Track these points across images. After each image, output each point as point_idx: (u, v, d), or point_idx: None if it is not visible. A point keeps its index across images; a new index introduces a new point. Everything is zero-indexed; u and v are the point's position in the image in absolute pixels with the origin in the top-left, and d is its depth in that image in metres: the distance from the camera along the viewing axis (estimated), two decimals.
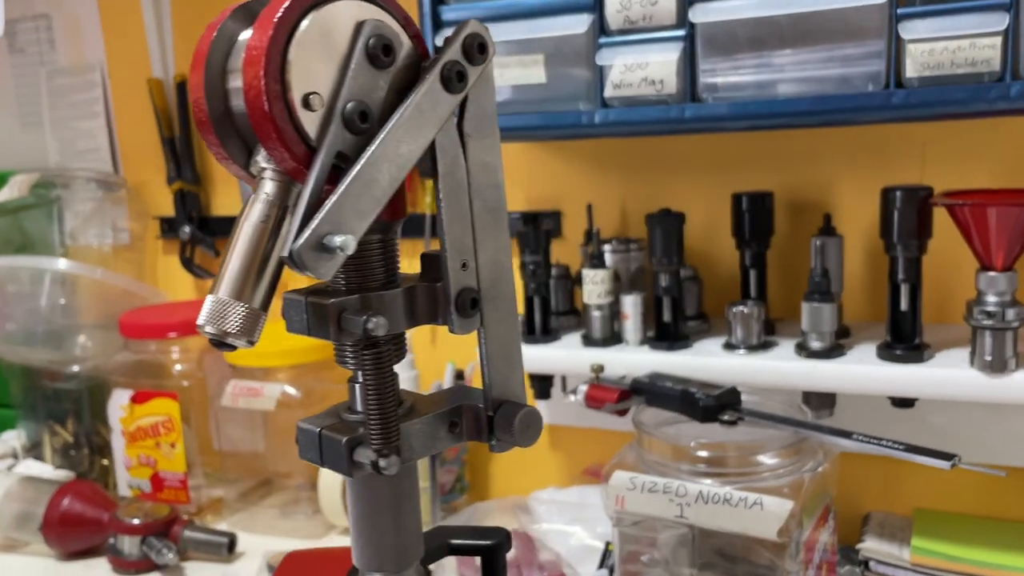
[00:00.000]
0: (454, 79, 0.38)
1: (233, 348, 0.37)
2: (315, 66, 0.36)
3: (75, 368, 1.21)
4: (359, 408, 0.42)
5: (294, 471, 1.13)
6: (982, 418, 0.85)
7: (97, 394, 1.21)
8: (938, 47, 0.70)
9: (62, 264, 1.19)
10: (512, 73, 0.85)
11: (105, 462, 1.22)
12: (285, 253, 0.35)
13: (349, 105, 0.37)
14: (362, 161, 0.36)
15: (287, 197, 0.38)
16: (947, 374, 0.76)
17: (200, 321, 0.36)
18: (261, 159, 0.38)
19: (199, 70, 0.37)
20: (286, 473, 1.14)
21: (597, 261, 0.92)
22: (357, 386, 0.42)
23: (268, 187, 0.38)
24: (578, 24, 0.82)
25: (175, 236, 1.26)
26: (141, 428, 1.13)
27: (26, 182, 1.20)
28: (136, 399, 1.12)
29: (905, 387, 0.78)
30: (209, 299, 0.36)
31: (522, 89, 0.85)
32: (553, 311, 0.98)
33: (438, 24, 0.86)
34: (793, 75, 0.76)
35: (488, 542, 0.51)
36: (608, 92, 0.81)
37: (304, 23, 0.36)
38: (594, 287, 0.91)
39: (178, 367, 1.14)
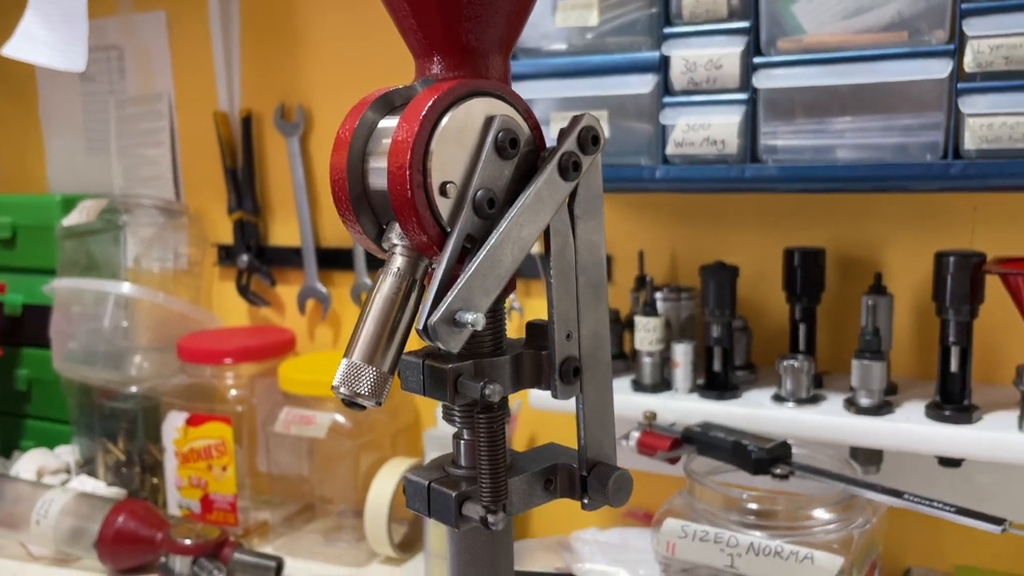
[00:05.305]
0: (570, 168, 0.42)
1: (363, 408, 0.40)
2: (451, 157, 0.40)
3: (132, 388, 1.24)
4: (463, 463, 0.45)
5: (337, 497, 1.16)
6: None
7: (151, 414, 1.24)
8: (997, 122, 0.72)
9: (126, 288, 1.23)
10: None
11: (156, 481, 1.26)
12: (420, 326, 0.38)
13: (479, 193, 0.40)
14: (489, 244, 0.40)
15: (415, 271, 0.41)
16: (995, 437, 0.78)
17: (335, 383, 0.39)
18: (394, 236, 0.41)
19: (341, 153, 0.41)
20: (329, 499, 1.17)
21: (650, 309, 0.95)
22: (463, 443, 0.45)
23: (399, 262, 0.41)
24: (643, 84, 0.85)
25: (232, 264, 1.30)
26: (194, 450, 1.16)
27: (95, 207, 1.24)
28: (191, 422, 1.16)
29: (953, 447, 0.80)
30: (344, 362, 0.40)
31: None
32: None
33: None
34: (852, 141, 0.79)
35: None
36: (670, 149, 0.84)
37: (444, 119, 0.40)
38: (646, 334, 0.94)
39: (232, 392, 1.18)
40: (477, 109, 0.41)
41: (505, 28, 0.43)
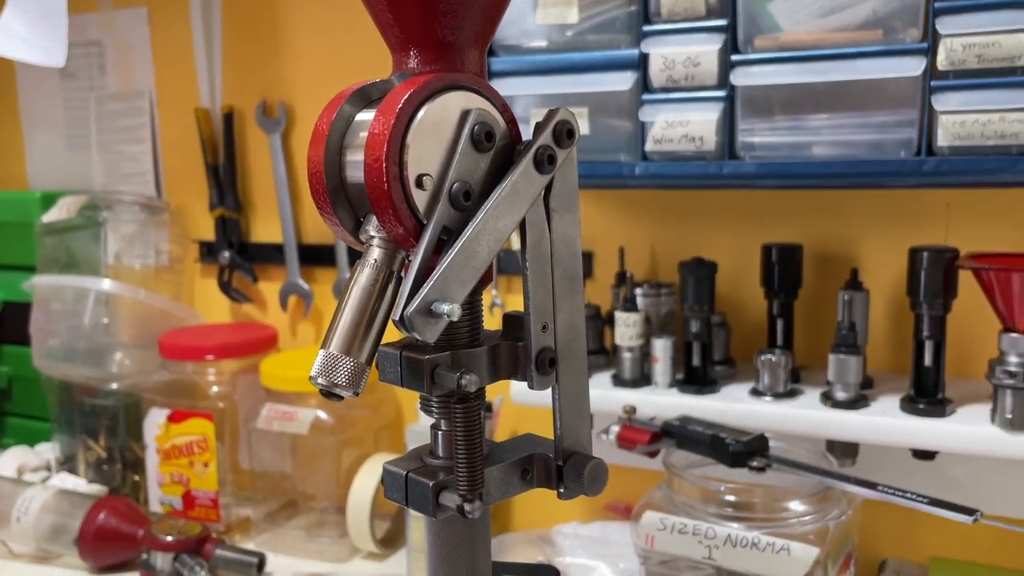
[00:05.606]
0: (545, 161, 0.42)
1: (341, 398, 0.41)
2: (427, 150, 0.41)
3: (113, 385, 1.24)
4: (441, 454, 0.46)
5: (319, 494, 1.16)
6: (1000, 472, 0.88)
7: (132, 411, 1.24)
8: (969, 119, 0.74)
9: (107, 284, 1.23)
10: None
11: (137, 478, 1.26)
12: (396, 317, 0.38)
13: (455, 185, 0.41)
14: (465, 236, 0.40)
15: (392, 263, 0.42)
16: (968, 430, 0.79)
17: (313, 373, 0.40)
18: (371, 228, 0.42)
19: (319, 146, 0.41)
20: (311, 495, 1.18)
21: (630, 304, 0.95)
22: (440, 433, 0.46)
23: (376, 254, 0.41)
24: (622, 81, 0.86)
25: (214, 260, 1.30)
26: (176, 446, 1.16)
27: (75, 204, 1.24)
28: (173, 418, 1.16)
29: (927, 440, 0.81)
30: (321, 353, 0.40)
31: None
32: None
33: (487, 74, 0.91)
34: (828, 138, 0.80)
35: None
36: (649, 146, 0.85)
37: (420, 112, 0.40)
38: (626, 329, 0.95)
39: (214, 388, 1.18)
40: (453, 102, 0.42)
41: (481, 23, 0.43)
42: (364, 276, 0.41)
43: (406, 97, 0.40)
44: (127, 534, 1.06)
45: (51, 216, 1.25)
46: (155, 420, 1.17)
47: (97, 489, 1.19)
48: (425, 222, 0.41)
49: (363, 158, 0.40)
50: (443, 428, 0.46)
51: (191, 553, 1.03)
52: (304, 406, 1.12)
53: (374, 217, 0.41)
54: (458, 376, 0.41)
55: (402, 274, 0.42)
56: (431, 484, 0.43)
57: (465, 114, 0.42)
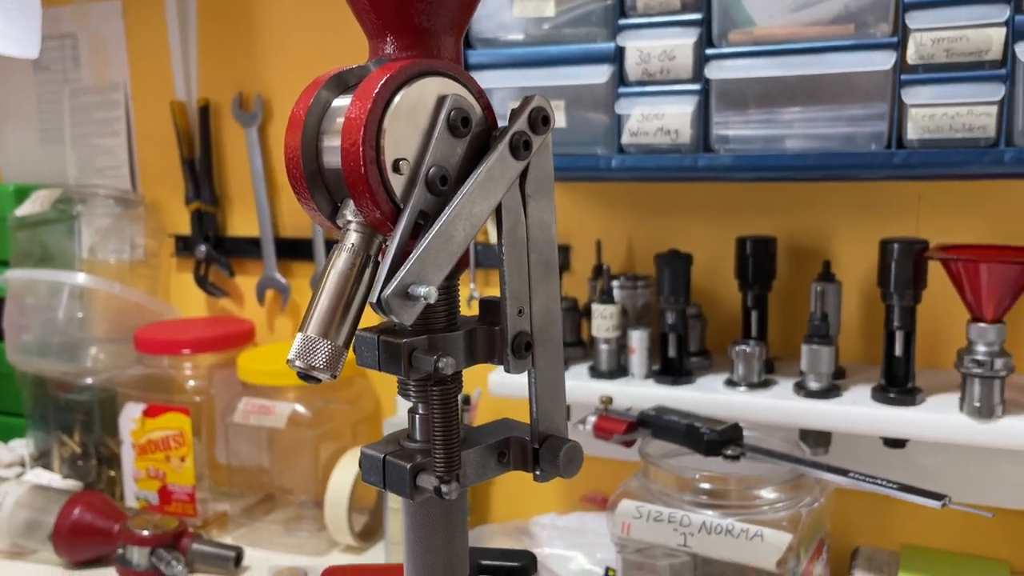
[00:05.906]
0: (521, 147, 0.43)
1: (319, 381, 0.41)
2: (404, 134, 0.41)
3: (88, 380, 1.23)
4: (418, 437, 0.46)
5: (297, 488, 1.16)
6: (969, 460, 0.90)
7: (107, 406, 1.23)
8: (938, 112, 0.75)
9: (81, 278, 1.22)
10: None
11: (112, 473, 1.25)
12: (373, 300, 0.39)
13: (432, 170, 0.41)
14: (442, 220, 0.41)
15: (369, 247, 0.42)
16: (938, 418, 0.81)
17: (291, 356, 0.40)
18: (349, 213, 0.42)
19: (296, 132, 0.42)
20: (289, 489, 1.17)
21: (607, 296, 0.96)
22: (418, 417, 0.46)
23: (353, 238, 0.42)
24: (599, 74, 0.86)
25: (190, 254, 1.29)
26: (152, 441, 1.16)
27: (48, 197, 1.23)
28: (148, 413, 1.15)
29: (897, 429, 0.83)
30: (299, 337, 0.40)
31: None
32: None
33: (464, 67, 0.91)
34: (801, 131, 0.81)
35: (516, 564, 0.55)
36: (625, 139, 0.86)
37: (397, 97, 0.41)
38: (603, 321, 0.95)
39: (191, 383, 1.17)
40: (429, 88, 0.42)
41: (457, 10, 0.44)
42: (341, 260, 0.42)
43: (383, 82, 0.40)
44: (103, 529, 1.06)
45: (24, 210, 1.23)
46: (130, 415, 1.16)
47: (72, 484, 1.19)
48: (402, 206, 0.42)
49: (340, 143, 0.41)
50: (420, 412, 0.46)
51: (168, 547, 1.02)
52: (281, 400, 1.12)
53: (351, 202, 0.42)
54: (435, 359, 0.41)
55: (379, 258, 0.43)
56: (408, 466, 0.44)
57: (441, 99, 0.43)
